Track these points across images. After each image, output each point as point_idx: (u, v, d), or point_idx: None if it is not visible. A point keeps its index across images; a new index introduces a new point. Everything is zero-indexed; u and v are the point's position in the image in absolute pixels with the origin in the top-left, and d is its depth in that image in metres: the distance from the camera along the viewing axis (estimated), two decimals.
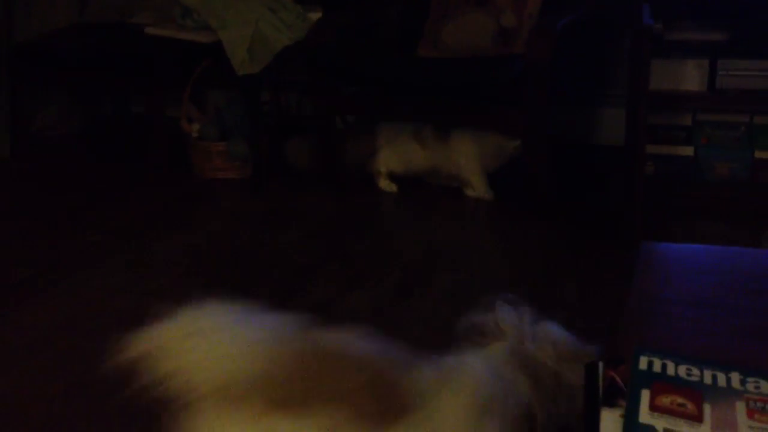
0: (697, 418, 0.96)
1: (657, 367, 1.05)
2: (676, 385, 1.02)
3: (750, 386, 1.02)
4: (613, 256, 2.57)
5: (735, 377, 1.03)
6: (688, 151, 2.92)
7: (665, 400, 0.99)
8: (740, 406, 0.98)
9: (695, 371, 1.04)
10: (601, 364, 1.07)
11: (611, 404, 1.00)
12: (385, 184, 3.10)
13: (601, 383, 1.04)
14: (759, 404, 0.98)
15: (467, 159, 2.98)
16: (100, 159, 3.62)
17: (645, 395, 0.99)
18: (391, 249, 2.71)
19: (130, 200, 3.16)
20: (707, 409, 0.98)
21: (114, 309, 2.37)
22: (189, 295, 2.43)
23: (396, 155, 3.08)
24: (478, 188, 3.01)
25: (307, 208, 3.02)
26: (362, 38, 3.09)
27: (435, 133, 3.02)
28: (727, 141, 2.88)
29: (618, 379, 1.04)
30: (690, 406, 0.98)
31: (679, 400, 0.99)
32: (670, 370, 1.04)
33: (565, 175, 3.10)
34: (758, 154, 2.86)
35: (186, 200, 3.15)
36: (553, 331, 1.29)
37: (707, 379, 1.03)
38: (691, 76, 2.78)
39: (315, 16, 3.19)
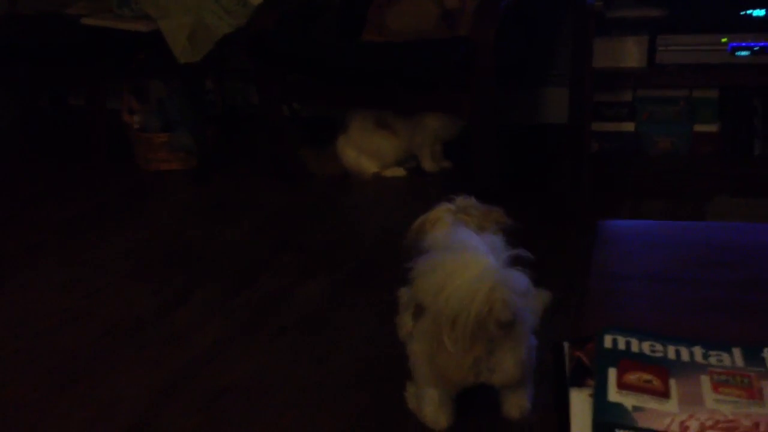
0: (664, 394, 0.98)
1: (622, 344, 1.06)
2: (641, 362, 1.04)
3: (713, 359, 1.04)
4: (562, 235, 2.60)
5: (698, 351, 1.06)
6: (630, 127, 2.97)
7: (632, 378, 1.00)
8: (705, 380, 1.01)
9: (659, 347, 1.06)
10: (567, 345, 1.09)
11: (579, 384, 1.02)
12: (390, 172, 3.07)
13: (567, 364, 1.06)
14: (723, 377, 1.01)
15: (422, 134, 2.99)
16: (38, 153, 3.54)
17: (612, 373, 1.01)
18: (345, 238, 2.70)
19: (72, 195, 3.09)
20: (673, 384, 1.00)
21: (61, 308, 2.33)
22: (139, 292, 2.41)
23: (371, 154, 3.05)
24: (424, 162, 3.03)
25: (257, 199, 2.99)
26: (305, 24, 3.06)
27: (398, 116, 3.01)
28: (667, 116, 2.93)
29: (584, 358, 1.06)
30: (656, 383, 1.00)
31: (646, 376, 1.01)
32: (635, 347, 1.06)
33: (509, 155, 3.12)
34: (698, 128, 2.92)
35: (131, 193, 3.10)
36: (471, 200, 1.95)
37: (671, 354, 1.05)
38: (631, 53, 2.81)
39: (256, 1, 3.14)
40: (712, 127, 2.90)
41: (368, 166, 3.04)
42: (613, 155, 2.97)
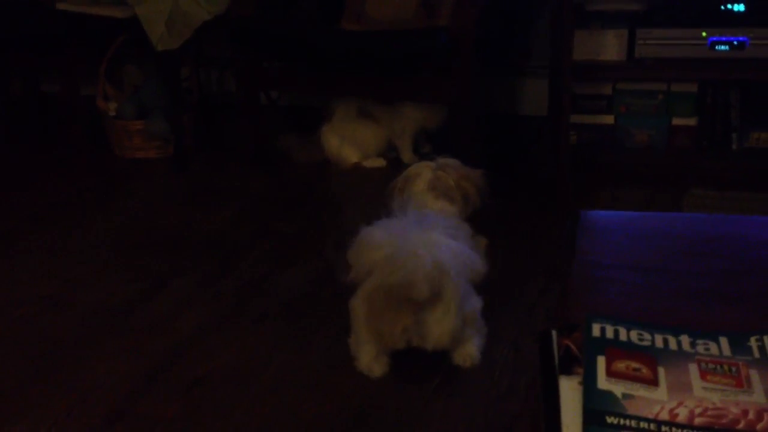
0: (653, 382, 0.98)
1: (609, 333, 1.06)
2: (629, 350, 1.03)
3: (700, 348, 1.04)
4: (541, 224, 2.60)
5: (685, 340, 1.06)
6: (609, 119, 2.98)
7: (620, 366, 1.00)
8: (693, 368, 1.01)
9: (646, 336, 1.06)
10: (554, 333, 1.08)
11: (568, 372, 1.01)
12: (371, 163, 3.06)
13: (556, 352, 1.05)
14: (711, 365, 1.01)
15: (402, 123, 2.98)
16: (10, 141, 3.48)
17: (601, 362, 1.01)
18: (324, 226, 2.69)
19: (46, 184, 3.04)
20: (661, 372, 1.00)
21: (39, 296, 2.30)
22: (118, 279, 2.39)
23: (353, 143, 3.03)
24: (403, 153, 3.02)
25: (235, 187, 2.96)
26: (284, 11, 3.04)
27: (380, 105, 2.99)
28: (645, 109, 2.95)
29: (573, 347, 1.05)
30: (645, 371, 1.00)
31: (634, 364, 1.01)
32: (623, 335, 1.06)
33: (488, 146, 3.12)
34: (675, 121, 2.94)
35: (106, 181, 3.06)
36: (452, 160, 2.18)
37: (659, 342, 1.05)
38: (610, 46, 2.82)
39: None
40: (690, 121, 2.92)
41: (350, 155, 3.03)
42: (591, 147, 2.98)
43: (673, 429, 0.91)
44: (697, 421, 0.93)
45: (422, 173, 2.15)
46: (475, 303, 1.95)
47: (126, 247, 2.56)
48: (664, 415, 0.93)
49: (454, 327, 1.85)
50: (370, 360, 1.92)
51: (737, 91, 2.85)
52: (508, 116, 3.42)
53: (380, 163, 3.05)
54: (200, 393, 1.90)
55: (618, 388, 0.97)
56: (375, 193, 2.94)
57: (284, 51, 2.99)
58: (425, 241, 1.80)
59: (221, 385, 1.93)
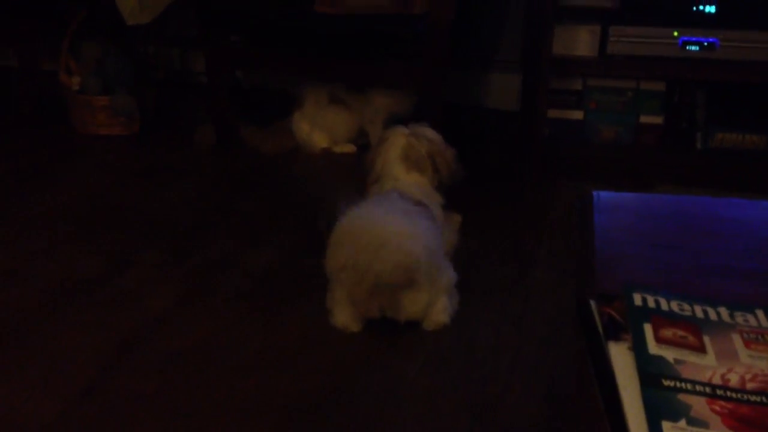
0: (701, 349, 0.99)
1: (651, 302, 1.07)
2: (672, 319, 1.04)
3: (739, 319, 1.06)
4: (512, 216, 2.63)
5: (723, 311, 1.07)
6: (578, 115, 3.02)
7: (667, 333, 1.01)
8: (736, 338, 1.02)
9: (686, 306, 1.07)
10: (593, 302, 1.09)
11: (615, 338, 1.01)
12: (340, 148, 3.03)
13: (598, 320, 1.05)
14: (752, 335, 1.02)
15: (372, 110, 2.97)
16: None
17: (648, 329, 1.01)
18: (290, 207, 2.66)
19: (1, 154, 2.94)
20: (707, 340, 1.01)
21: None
22: (79, 253, 2.31)
23: (324, 129, 3.00)
24: (373, 139, 3.01)
25: (199, 166, 2.92)
26: None
27: (351, 91, 2.97)
28: (614, 106, 2.99)
29: (615, 315, 1.06)
30: (691, 339, 1.01)
31: (680, 332, 1.02)
32: (664, 305, 1.07)
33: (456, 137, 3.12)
34: (643, 119, 2.99)
35: (66, 156, 2.97)
36: (427, 129, 2.31)
37: (699, 313, 1.06)
38: (583, 42, 2.86)
39: None
40: (657, 119, 2.98)
41: (319, 140, 3.01)
42: (559, 141, 3.01)
43: (728, 392, 0.93)
44: (749, 386, 0.94)
45: (396, 141, 2.25)
46: (450, 276, 2.05)
47: (86, 221, 2.49)
48: (717, 380, 0.94)
49: (426, 304, 1.97)
50: (345, 319, 1.99)
51: (704, 92, 2.92)
52: (475, 109, 3.44)
53: (350, 148, 3.04)
54: (176, 369, 1.85)
55: (669, 354, 0.97)
56: (343, 178, 2.94)
57: (255, 31, 2.95)
58: (397, 225, 1.89)
59: (197, 361, 1.88)
